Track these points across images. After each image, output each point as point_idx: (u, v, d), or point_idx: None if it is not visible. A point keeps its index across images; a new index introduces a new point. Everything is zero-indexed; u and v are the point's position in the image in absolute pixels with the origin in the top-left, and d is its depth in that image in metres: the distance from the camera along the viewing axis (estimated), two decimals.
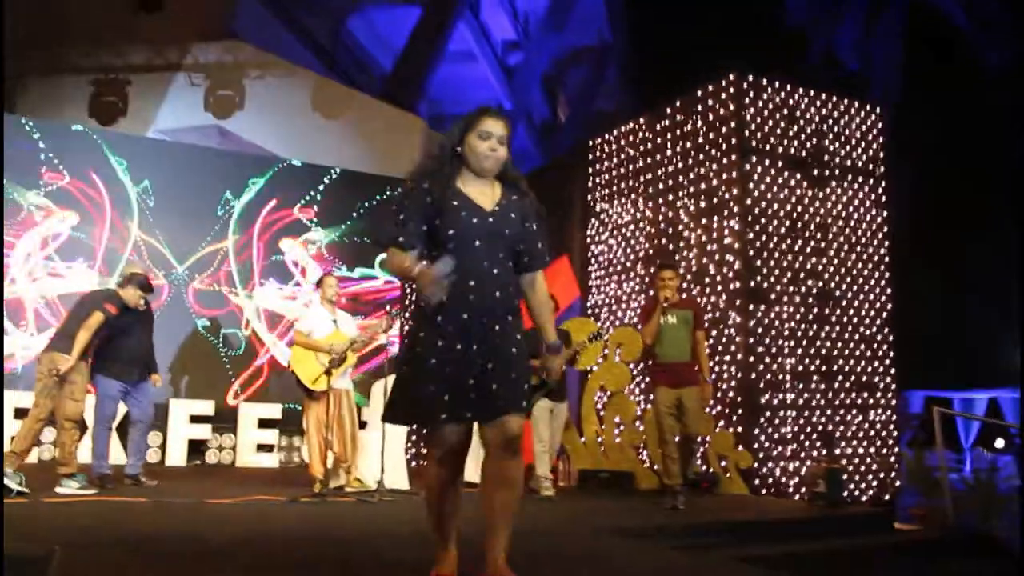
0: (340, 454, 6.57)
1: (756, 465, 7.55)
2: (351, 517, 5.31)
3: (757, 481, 7.54)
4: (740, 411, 7.75)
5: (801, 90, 8.67)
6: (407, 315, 10.38)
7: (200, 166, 10.35)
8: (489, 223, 2.85)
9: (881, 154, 9.06)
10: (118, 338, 6.54)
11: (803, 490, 7.49)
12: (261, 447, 9.54)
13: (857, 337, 8.50)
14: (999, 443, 19.41)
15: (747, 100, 8.29)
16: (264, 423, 9.56)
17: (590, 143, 10.29)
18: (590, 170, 10.18)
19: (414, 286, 2.83)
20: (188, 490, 6.44)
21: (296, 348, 6.58)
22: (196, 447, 9.36)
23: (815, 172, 8.55)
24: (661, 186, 9.06)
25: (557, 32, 24.97)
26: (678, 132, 8.92)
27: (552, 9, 25.05)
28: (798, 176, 8.43)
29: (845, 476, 7.75)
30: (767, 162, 8.26)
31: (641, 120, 9.47)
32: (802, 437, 7.94)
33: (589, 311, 9.79)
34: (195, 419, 9.32)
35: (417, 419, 2.93)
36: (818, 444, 8.00)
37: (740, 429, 7.69)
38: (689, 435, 6.34)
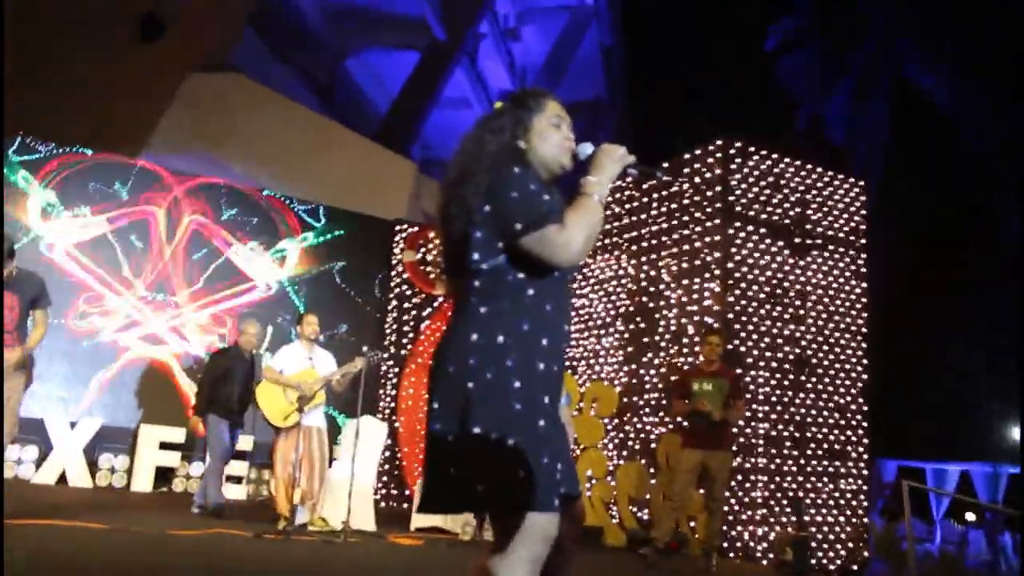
0: (306, 492, 6.51)
1: (725, 528, 7.54)
2: (315, 558, 5.27)
3: (725, 544, 7.52)
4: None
5: (787, 159, 8.83)
6: (397, 356, 10.36)
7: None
8: None
9: (863, 226, 9.21)
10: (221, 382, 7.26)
11: (771, 556, 7.47)
12: (229, 478, 9.41)
13: (832, 406, 8.55)
14: (969, 516, 19.47)
15: (734, 166, 8.43)
16: (235, 454, 9.45)
17: None
18: None
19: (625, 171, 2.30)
20: (152, 519, 6.36)
21: (263, 384, 6.56)
22: (163, 474, 9.25)
23: (797, 240, 8.68)
24: (645, 244, 9.16)
25: (553, 86, 25.39)
26: (664, 192, 9.05)
27: (550, 63, 25.50)
28: (780, 243, 8.55)
29: (814, 544, 7.77)
30: (750, 228, 8.38)
31: (628, 178, 9.58)
32: (772, 503, 7.94)
33: (566, 364, 9.81)
34: (164, 446, 9.22)
35: (529, 501, 1.94)
36: (787, 510, 8.00)
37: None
38: (715, 498, 6.46)
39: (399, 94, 21.39)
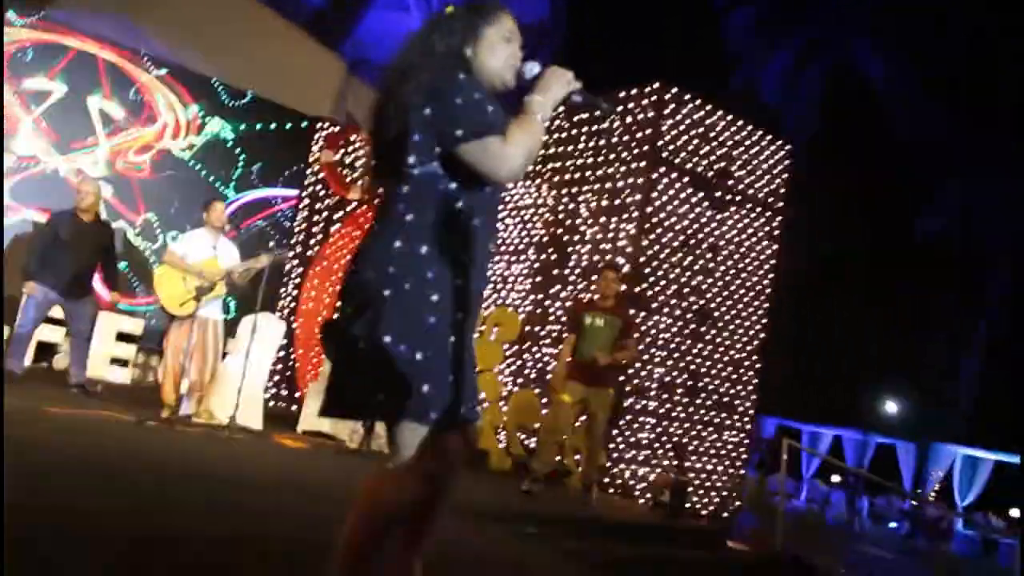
0: (195, 383, 6.35)
1: (608, 465, 7.71)
2: (197, 451, 5.16)
3: (606, 480, 7.70)
4: None
5: (720, 112, 8.84)
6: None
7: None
8: None
9: (782, 190, 9.35)
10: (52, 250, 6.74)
11: (648, 496, 7.69)
12: (115, 360, 9.12)
13: (727, 359, 8.77)
14: (835, 478, 20.58)
15: (666, 111, 8.40)
16: (122, 336, 9.14)
17: None
18: None
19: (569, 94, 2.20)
20: (27, 394, 6.09)
21: (163, 267, 6.31)
22: (45, 349, 8.88)
23: (717, 194, 8.75)
24: (567, 177, 9.10)
25: None
26: (593, 128, 8.97)
27: None
28: (700, 194, 8.61)
29: (690, 489, 8.03)
30: (673, 175, 8.40)
31: (560, 109, 9.46)
32: (656, 446, 8.15)
33: None
34: (50, 320, 8.82)
35: (428, 415, 1.93)
36: (670, 455, 8.23)
37: None
38: (593, 435, 6.32)
39: None
